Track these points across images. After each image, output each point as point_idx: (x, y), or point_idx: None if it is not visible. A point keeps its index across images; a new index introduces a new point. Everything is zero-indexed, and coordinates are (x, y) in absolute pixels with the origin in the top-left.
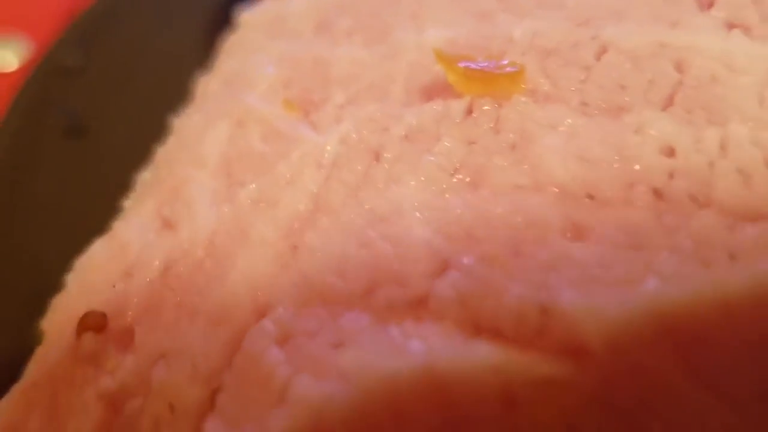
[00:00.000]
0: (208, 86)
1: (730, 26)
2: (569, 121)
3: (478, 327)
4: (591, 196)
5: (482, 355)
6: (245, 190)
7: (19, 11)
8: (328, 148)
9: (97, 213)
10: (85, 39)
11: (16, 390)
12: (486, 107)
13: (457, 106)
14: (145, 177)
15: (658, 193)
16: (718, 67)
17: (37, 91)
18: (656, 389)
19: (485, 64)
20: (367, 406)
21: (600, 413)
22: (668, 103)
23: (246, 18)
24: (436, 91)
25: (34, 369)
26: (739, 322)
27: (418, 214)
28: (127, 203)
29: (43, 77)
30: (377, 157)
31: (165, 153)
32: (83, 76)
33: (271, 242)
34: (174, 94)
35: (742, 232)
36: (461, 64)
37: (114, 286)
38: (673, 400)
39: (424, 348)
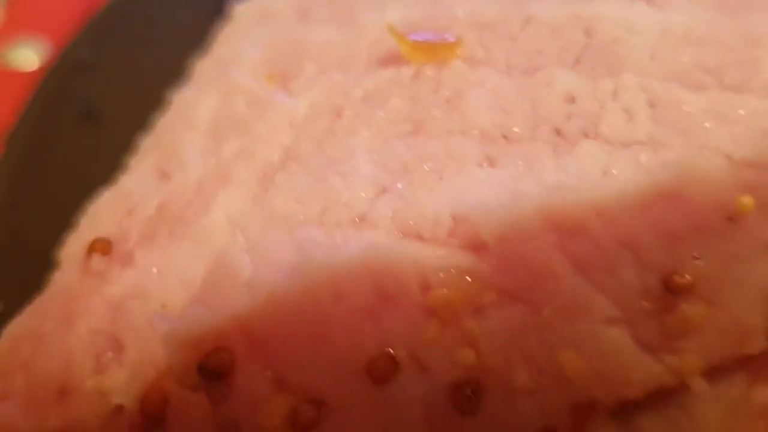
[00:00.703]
0: (202, 67)
1: None
2: (494, 80)
3: (405, 232)
4: (505, 137)
5: (405, 251)
6: (229, 146)
7: (38, 15)
8: (300, 110)
9: (108, 183)
10: (97, 37)
11: (37, 302)
12: (429, 72)
13: (407, 71)
14: (146, 142)
15: (557, 131)
16: (620, 31)
17: (55, 83)
18: (543, 278)
19: (430, 36)
20: (313, 286)
21: (498, 298)
22: (576, 63)
23: (239, 10)
24: (391, 60)
25: (51, 286)
26: (610, 223)
27: (366, 156)
28: (132, 162)
29: (59, 71)
30: (339, 115)
31: (163, 122)
32: (96, 70)
33: (247, 185)
34: (174, 77)
35: (616, 155)
36: (411, 37)
37: (118, 222)
38: (560, 289)
39: (361, 246)
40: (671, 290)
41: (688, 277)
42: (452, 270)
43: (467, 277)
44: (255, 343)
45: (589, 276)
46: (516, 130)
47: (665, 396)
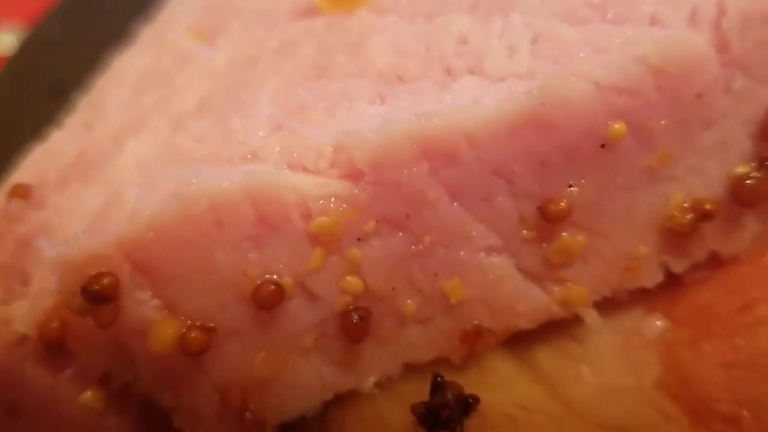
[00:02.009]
0: (143, 31)
1: None
2: (398, 26)
3: (291, 165)
4: (400, 77)
5: (286, 179)
6: (149, 97)
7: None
8: (219, 62)
9: None
10: (67, 16)
11: None
12: (339, 21)
13: (320, 22)
14: (82, 100)
15: (447, 70)
16: None
17: (24, 59)
18: (420, 206)
19: None
20: (192, 212)
21: (379, 226)
22: (473, 7)
23: None
24: (307, 13)
25: None
26: (481, 150)
27: (269, 99)
28: (65, 119)
29: (30, 48)
30: (253, 65)
31: (99, 82)
32: (65, 48)
33: (160, 131)
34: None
35: (491, 87)
36: None
37: (41, 170)
38: (438, 217)
39: (242, 175)
40: (548, 218)
41: (563, 204)
42: (332, 198)
43: (346, 205)
44: (139, 268)
45: (466, 204)
46: (411, 70)
47: (560, 328)
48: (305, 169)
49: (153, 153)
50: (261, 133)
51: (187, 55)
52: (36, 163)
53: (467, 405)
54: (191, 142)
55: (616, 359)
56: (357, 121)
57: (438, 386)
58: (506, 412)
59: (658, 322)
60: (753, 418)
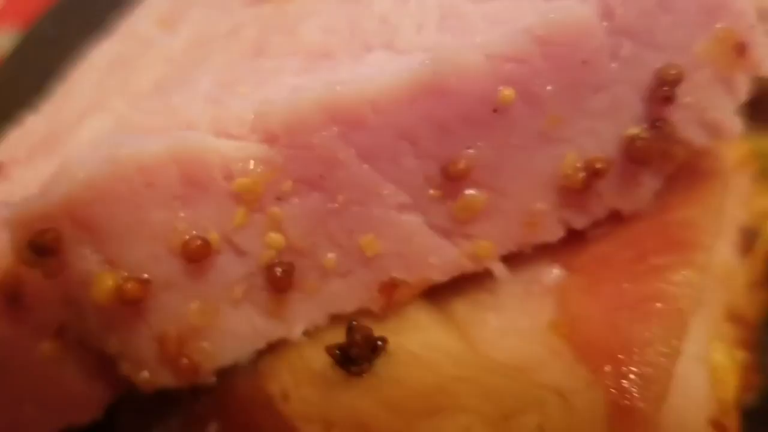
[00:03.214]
0: (121, 21)
1: None
2: (329, 9)
3: (217, 132)
4: (325, 54)
5: (209, 143)
6: (113, 80)
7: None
8: (175, 46)
9: None
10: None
11: None
12: (282, 6)
13: (267, 7)
14: (59, 88)
15: (366, 46)
16: None
17: (21, 55)
18: (332, 167)
19: None
20: (124, 173)
21: (296, 185)
22: None
23: None
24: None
25: None
26: (385, 116)
27: (211, 76)
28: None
29: (26, 46)
30: (204, 47)
31: (74, 70)
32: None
33: (118, 110)
34: None
35: (396, 59)
36: None
37: (13, 149)
38: (350, 178)
39: (168, 140)
40: (449, 178)
41: (462, 165)
42: (251, 161)
43: (264, 167)
44: (79, 225)
45: (375, 165)
46: (335, 48)
47: (476, 281)
48: (228, 135)
49: (106, 128)
50: (196, 106)
51: (149, 42)
52: (10, 143)
53: (375, 345)
54: (140, 117)
55: (517, 305)
56: (278, 92)
57: (350, 330)
58: (414, 352)
59: (556, 271)
60: (628, 355)
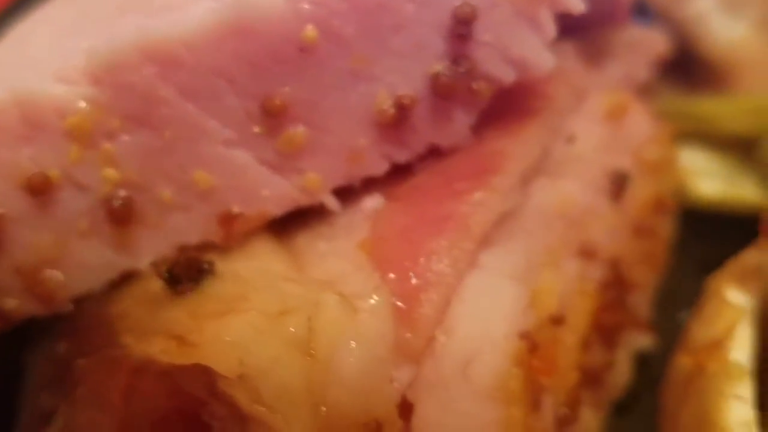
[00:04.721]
0: None
1: None
2: None
3: (56, 78)
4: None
5: (45, 88)
6: None
7: None
8: None
9: None
10: None
11: None
12: None
13: None
14: None
15: None
16: None
17: None
18: (155, 105)
19: None
20: None
21: (123, 123)
22: None
23: None
24: None
25: None
26: (199, 55)
27: (59, 27)
28: None
29: None
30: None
31: None
32: None
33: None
34: None
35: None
36: None
37: None
38: (174, 115)
39: (10, 85)
40: (269, 114)
41: (278, 102)
42: (81, 101)
43: (92, 106)
44: None
45: (197, 102)
46: None
47: (319, 214)
48: (64, 79)
49: None
50: (41, 54)
51: None
52: None
53: (201, 268)
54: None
55: (343, 232)
56: (106, 36)
57: (179, 253)
58: (243, 275)
59: (376, 200)
60: (414, 263)
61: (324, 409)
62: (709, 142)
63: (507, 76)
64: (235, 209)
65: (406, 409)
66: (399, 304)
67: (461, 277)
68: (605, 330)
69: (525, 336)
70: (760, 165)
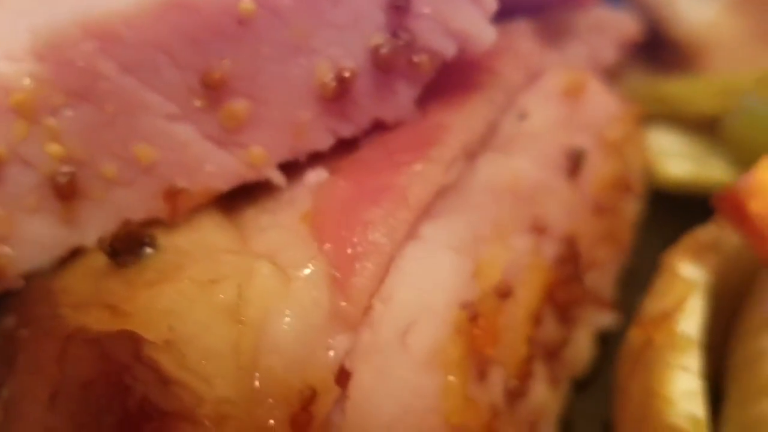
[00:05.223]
0: None
1: None
2: None
3: (6, 56)
4: None
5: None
6: None
7: None
8: None
9: None
10: None
11: None
12: None
13: None
14: None
15: None
16: None
17: None
18: (96, 79)
19: None
20: None
21: (67, 99)
22: None
23: None
24: None
25: None
26: (138, 30)
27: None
28: None
29: None
30: None
31: None
32: None
33: None
34: None
35: None
36: None
37: None
38: (115, 89)
39: None
40: (210, 88)
41: (218, 75)
42: (26, 78)
43: (35, 82)
44: None
45: (138, 76)
46: None
47: (267, 190)
48: (11, 58)
49: None
50: None
51: None
52: None
53: (143, 241)
54: None
55: (285, 206)
56: (49, 13)
57: (121, 226)
58: (183, 247)
59: (320, 173)
60: (349, 233)
61: (257, 374)
62: (678, 124)
63: (448, 49)
64: (180, 184)
65: (343, 376)
66: (335, 273)
67: (399, 248)
68: (561, 306)
69: (466, 306)
70: (725, 144)
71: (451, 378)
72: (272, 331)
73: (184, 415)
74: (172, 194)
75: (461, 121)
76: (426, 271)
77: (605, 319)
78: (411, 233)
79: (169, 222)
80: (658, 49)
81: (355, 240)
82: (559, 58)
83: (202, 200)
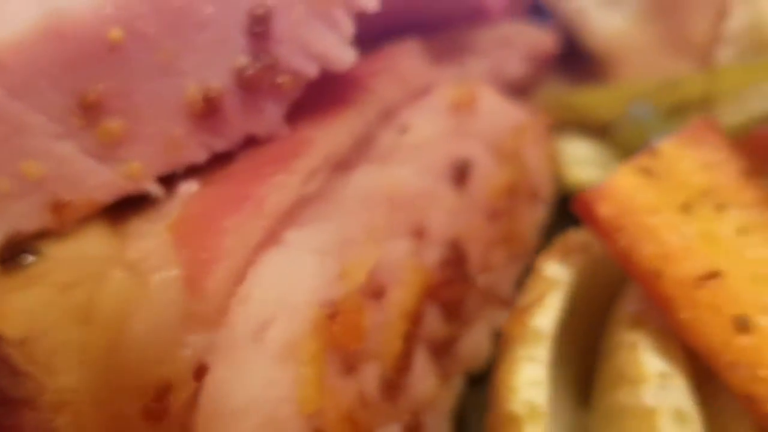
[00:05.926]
0: None
1: None
2: None
3: None
4: None
5: None
6: None
7: None
8: None
9: None
10: None
11: None
12: None
13: None
14: None
15: None
16: None
17: None
18: None
19: None
20: None
21: None
22: None
23: None
24: None
25: None
26: (20, 57)
27: None
28: None
29: None
30: None
31: None
32: None
33: None
34: None
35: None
36: None
37: None
38: (2, 111)
39: None
40: (87, 108)
41: (93, 97)
42: None
43: None
44: None
45: (25, 101)
46: None
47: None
48: None
49: None
50: None
51: None
52: None
53: (25, 250)
54: None
55: (161, 215)
56: None
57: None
58: (62, 256)
59: (191, 185)
60: (204, 240)
61: (109, 369)
62: (588, 131)
63: (309, 70)
64: (66, 197)
65: (201, 371)
66: (190, 276)
67: (257, 252)
68: (447, 304)
69: (326, 304)
70: (617, 147)
71: (305, 369)
72: (126, 330)
73: (28, 402)
74: (58, 207)
75: (326, 135)
76: (286, 273)
77: (504, 317)
78: (273, 239)
79: (57, 232)
80: (576, 60)
81: (210, 245)
82: (457, 73)
83: (87, 211)
